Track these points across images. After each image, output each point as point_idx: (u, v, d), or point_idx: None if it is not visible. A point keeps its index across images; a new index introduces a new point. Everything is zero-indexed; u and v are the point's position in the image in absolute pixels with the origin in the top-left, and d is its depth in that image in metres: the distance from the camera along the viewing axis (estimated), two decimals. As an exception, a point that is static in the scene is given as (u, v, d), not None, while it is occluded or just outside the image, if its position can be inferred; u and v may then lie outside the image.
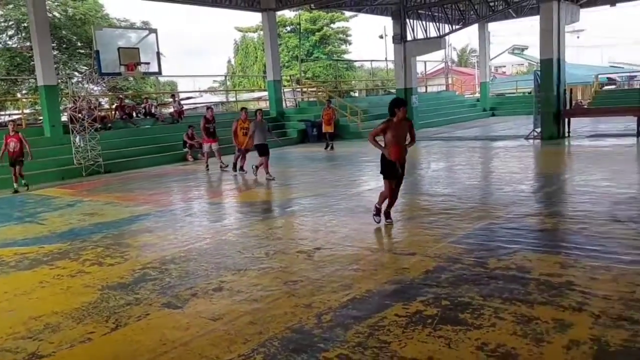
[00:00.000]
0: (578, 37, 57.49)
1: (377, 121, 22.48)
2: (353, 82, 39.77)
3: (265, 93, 23.97)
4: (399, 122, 5.88)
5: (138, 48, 13.99)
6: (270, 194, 9.63)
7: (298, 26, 37.69)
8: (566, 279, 4.18)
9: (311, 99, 24.76)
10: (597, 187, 7.91)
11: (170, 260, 5.45)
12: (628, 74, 38.34)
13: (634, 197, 7.04)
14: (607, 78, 37.91)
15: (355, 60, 42.67)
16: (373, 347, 3.25)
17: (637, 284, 3.97)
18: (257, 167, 11.40)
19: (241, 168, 12.10)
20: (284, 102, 22.71)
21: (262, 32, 23.91)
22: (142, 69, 14.14)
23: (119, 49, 13.53)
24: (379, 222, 6.31)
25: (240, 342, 3.44)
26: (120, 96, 20.23)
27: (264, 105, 24.44)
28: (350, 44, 43.18)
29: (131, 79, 23.18)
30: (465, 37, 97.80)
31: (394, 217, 6.47)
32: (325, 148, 16.69)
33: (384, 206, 6.36)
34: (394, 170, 6.03)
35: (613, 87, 35.70)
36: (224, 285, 4.59)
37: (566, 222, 6.11)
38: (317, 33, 40.07)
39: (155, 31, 14.76)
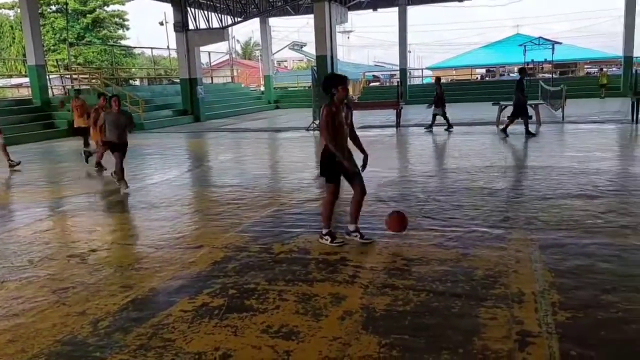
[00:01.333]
0: (348, 37, 63.87)
1: (162, 112, 21.89)
2: (133, 70, 37.51)
3: (27, 79, 21.01)
4: (340, 104, 4.79)
5: None
6: (35, 194, 8.43)
7: (65, 6, 33.89)
8: (341, 255, 4.57)
9: (83, 87, 22.53)
10: (365, 172, 8.81)
11: None
12: (389, 73, 43.97)
13: (393, 180, 8.07)
14: (373, 75, 42.98)
15: (134, 47, 40.35)
16: (156, 347, 3.07)
17: (397, 255, 4.54)
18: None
19: (98, 164, 10.06)
20: (50, 90, 20.20)
21: (19, 10, 20.78)
22: None
23: None
24: (341, 244, 4.86)
25: (-6, 368, 2.93)
26: None
27: (26, 93, 21.44)
28: (128, 29, 40.67)
29: None
30: (249, 31, 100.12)
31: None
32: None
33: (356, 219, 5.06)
34: (336, 168, 4.92)
35: (377, 83, 40.57)
36: (-28, 303, 3.85)
37: (340, 204, 6.64)
38: (88, 15, 36.67)
39: None
